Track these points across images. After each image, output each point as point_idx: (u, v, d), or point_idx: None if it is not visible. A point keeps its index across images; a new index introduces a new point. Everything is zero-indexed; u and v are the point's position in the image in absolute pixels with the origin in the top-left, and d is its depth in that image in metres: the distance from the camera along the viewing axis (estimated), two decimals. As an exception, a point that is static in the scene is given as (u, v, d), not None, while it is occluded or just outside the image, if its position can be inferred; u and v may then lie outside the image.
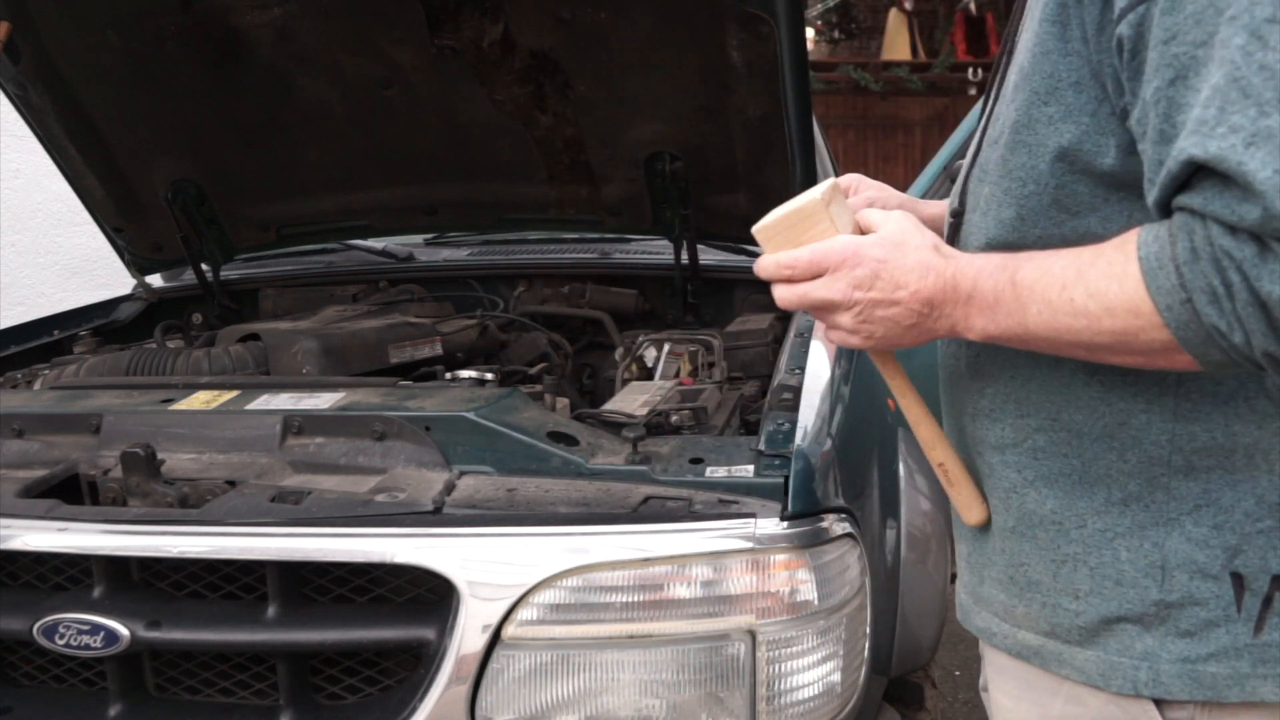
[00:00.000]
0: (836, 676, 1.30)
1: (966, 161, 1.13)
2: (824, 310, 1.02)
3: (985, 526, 1.14)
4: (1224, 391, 0.96)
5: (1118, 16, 0.88)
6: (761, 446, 1.38)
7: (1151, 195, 0.88)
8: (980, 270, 0.97)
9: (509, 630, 1.26)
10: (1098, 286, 0.88)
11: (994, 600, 1.14)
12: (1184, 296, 0.83)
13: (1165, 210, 0.87)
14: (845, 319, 1.01)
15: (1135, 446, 1.00)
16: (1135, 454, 1.00)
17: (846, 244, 1.00)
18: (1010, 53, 1.07)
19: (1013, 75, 1.02)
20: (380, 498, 1.34)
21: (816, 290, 1.01)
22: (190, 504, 1.39)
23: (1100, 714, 1.04)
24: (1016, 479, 1.08)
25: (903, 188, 1.55)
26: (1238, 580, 0.98)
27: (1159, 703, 1.00)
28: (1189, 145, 0.82)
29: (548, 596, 1.26)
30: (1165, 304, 0.85)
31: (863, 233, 1.03)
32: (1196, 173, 0.83)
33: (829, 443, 1.46)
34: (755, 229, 1.05)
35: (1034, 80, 0.97)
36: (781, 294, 1.04)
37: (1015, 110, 0.99)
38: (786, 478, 1.31)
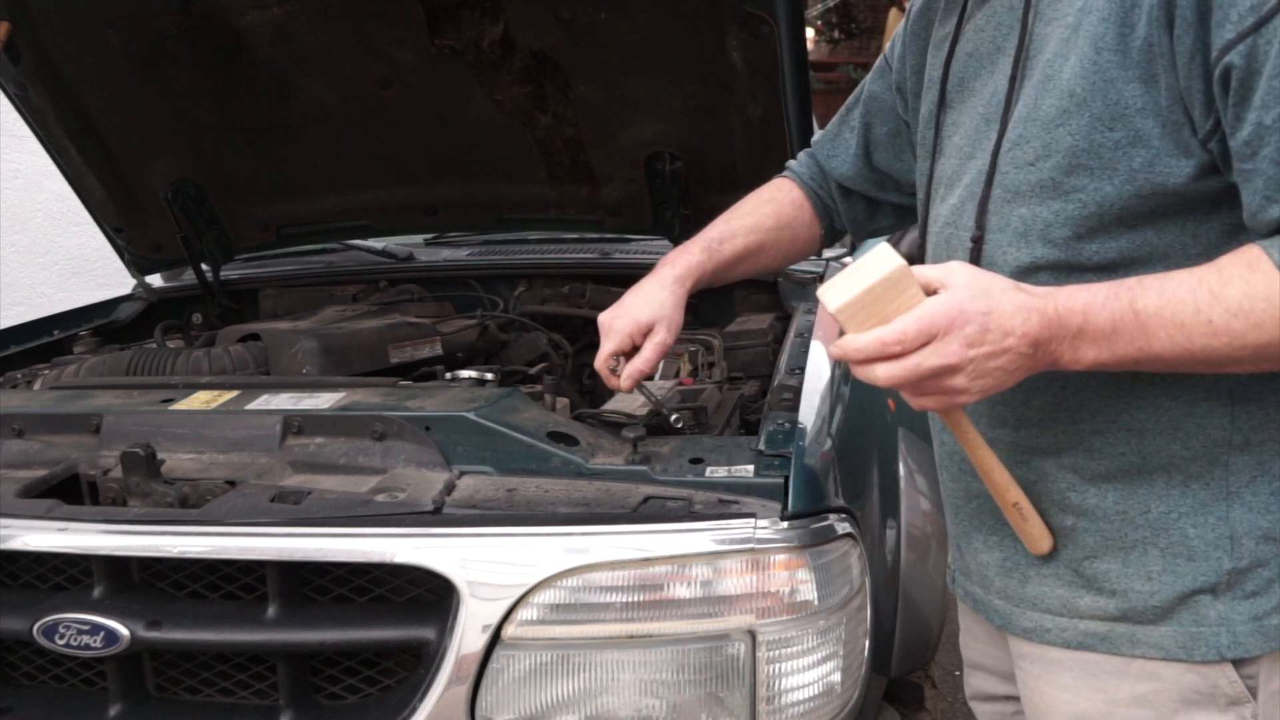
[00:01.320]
0: (836, 676, 1.30)
1: (968, 185, 1.15)
2: (936, 378, 0.99)
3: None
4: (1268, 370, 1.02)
5: (1224, 47, 0.93)
6: (761, 446, 1.38)
7: (1272, 211, 0.93)
8: (1088, 304, 0.98)
9: (509, 630, 1.26)
10: (1241, 305, 0.93)
11: (1047, 597, 1.17)
12: None
13: (1276, 227, 0.94)
14: (959, 380, 0.99)
15: (1200, 433, 1.06)
16: (1199, 439, 1.07)
17: (949, 304, 0.97)
18: (1016, 77, 1.09)
19: (1050, 98, 1.04)
20: (380, 498, 1.34)
21: (929, 359, 0.97)
22: (190, 504, 1.39)
23: (1177, 684, 1.09)
24: (1073, 479, 1.13)
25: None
26: None
27: (1235, 663, 1.07)
28: None
29: (548, 596, 1.26)
30: None
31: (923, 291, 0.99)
32: None
33: (829, 443, 1.46)
34: (834, 309, 0.98)
35: (1094, 107, 1.01)
36: (888, 372, 0.98)
37: (1071, 136, 1.02)
38: (786, 478, 1.31)
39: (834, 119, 1.53)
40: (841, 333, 1.01)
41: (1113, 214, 1.02)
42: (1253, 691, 1.08)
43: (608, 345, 1.40)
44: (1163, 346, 0.96)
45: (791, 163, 1.58)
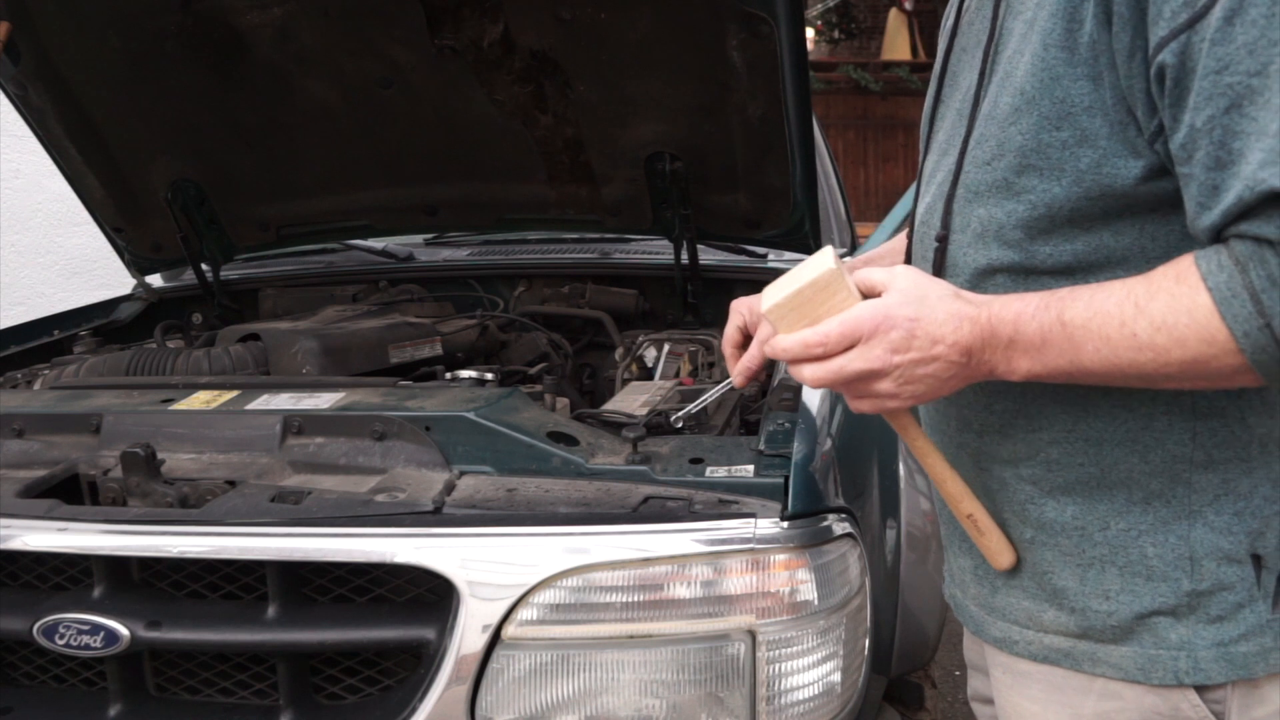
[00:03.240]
0: (836, 676, 1.30)
1: (939, 184, 1.13)
2: (863, 381, 0.99)
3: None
4: (1208, 387, 0.98)
5: (1158, 45, 0.89)
6: (761, 446, 1.38)
7: (1205, 219, 0.89)
8: (1019, 313, 0.96)
9: (509, 630, 1.26)
10: (1164, 320, 0.89)
11: (1014, 608, 1.14)
12: (1262, 323, 0.86)
13: (1215, 234, 0.89)
14: (886, 385, 0.98)
15: (1158, 447, 1.02)
16: (1158, 454, 1.03)
17: (875, 309, 0.97)
18: (985, 72, 1.07)
19: (1005, 96, 1.02)
20: (380, 498, 1.34)
21: (853, 363, 0.97)
22: (190, 504, 1.39)
23: (1139, 704, 1.06)
24: (1032, 491, 1.09)
25: (903, 188, 1.55)
26: (1257, 561, 1.02)
27: (1198, 688, 1.03)
28: (1269, 176, 0.83)
29: (548, 596, 1.26)
30: (1242, 331, 0.87)
31: (864, 294, 1.00)
32: (1266, 201, 0.85)
33: (829, 443, 1.46)
34: (765, 309, 1.00)
35: (1042, 105, 0.98)
36: (813, 373, 0.99)
37: (1021, 135, 1.00)
38: (786, 478, 1.31)
39: None
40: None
41: (1063, 215, 0.99)
42: (1220, 718, 1.03)
43: (730, 323, 1.40)
44: (1091, 360, 0.93)
45: None
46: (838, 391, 1.03)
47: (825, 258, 0.99)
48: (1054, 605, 1.10)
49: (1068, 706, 1.11)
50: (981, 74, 1.08)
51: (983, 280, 1.07)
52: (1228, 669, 1.02)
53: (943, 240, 1.10)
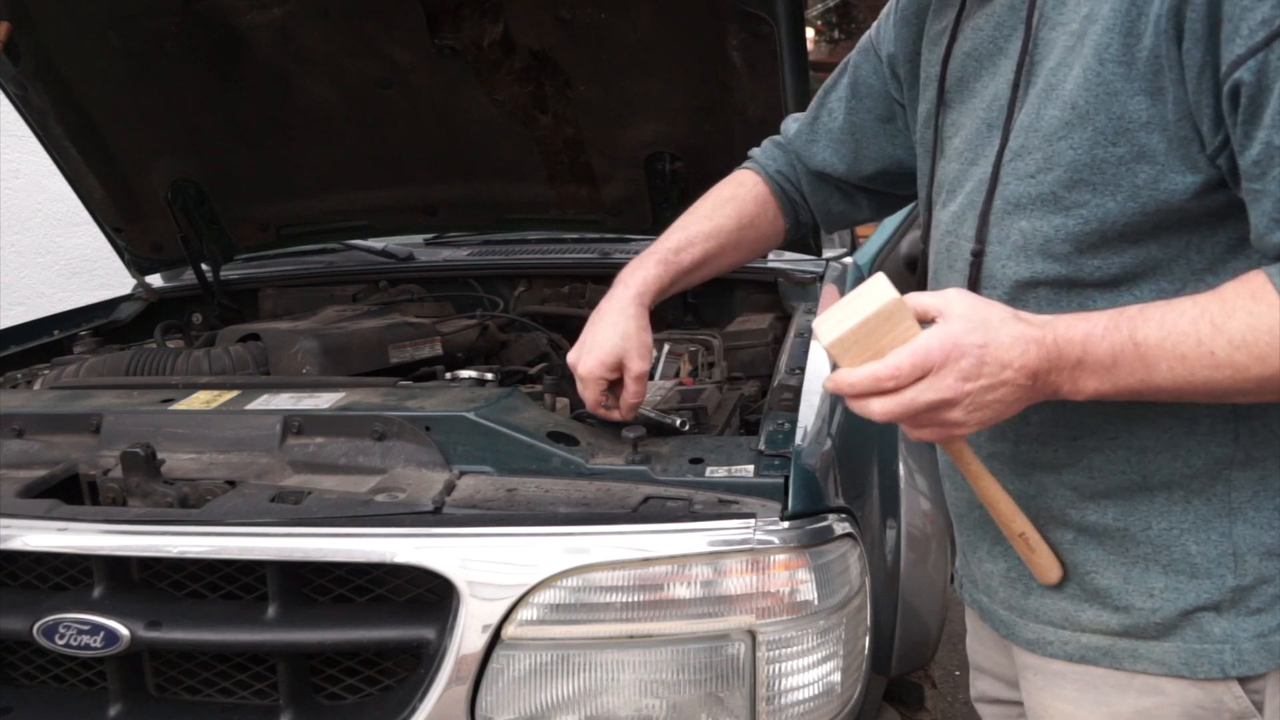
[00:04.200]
0: (836, 676, 1.30)
1: (969, 194, 1.12)
2: (933, 411, 0.97)
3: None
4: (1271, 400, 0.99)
5: (1234, 62, 0.89)
6: (761, 446, 1.38)
7: (1278, 236, 0.91)
8: (1088, 334, 0.96)
9: (509, 630, 1.26)
10: (1245, 338, 0.91)
11: (1049, 610, 1.15)
12: None
13: None
14: (956, 414, 0.97)
15: (1201, 451, 1.04)
16: (1201, 457, 1.04)
17: (943, 337, 0.95)
18: (1020, 83, 1.06)
19: (1052, 109, 1.01)
20: (380, 498, 1.34)
21: (925, 394, 0.95)
22: (190, 504, 1.39)
23: (1181, 699, 1.08)
24: (1072, 496, 1.11)
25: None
26: None
27: (1240, 679, 1.05)
28: None
29: (548, 596, 1.26)
30: None
31: (918, 319, 0.98)
32: None
33: (829, 443, 1.46)
34: (826, 344, 0.97)
35: (1097, 120, 0.98)
36: (883, 407, 0.97)
37: (1073, 149, 1.00)
38: (786, 478, 1.30)
39: (810, 106, 1.48)
40: (835, 365, 0.99)
41: (1115, 230, 1.00)
42: (1259, 707, 1.06)
43: (588, 396, 1.38)
44: (1164, 379, 0.94)
45: (755, 151, 1.52)
46: (906, 424, 1.00)
47: (884, 287, 0.96)
48: (1095, 605, 1.11)
49: (1103, 705, 1.12)
50: (1015, 85, 1.07)
51: (1023, 293, 1.06)
52: (1268, 658, 1.05)
53: (979, 254, 1.09)
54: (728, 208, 1.46)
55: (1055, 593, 1.14)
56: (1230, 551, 1.04)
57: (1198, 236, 0.99)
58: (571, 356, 1.39)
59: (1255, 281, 0.92)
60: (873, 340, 0.95)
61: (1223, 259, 0.99)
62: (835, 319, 0.96)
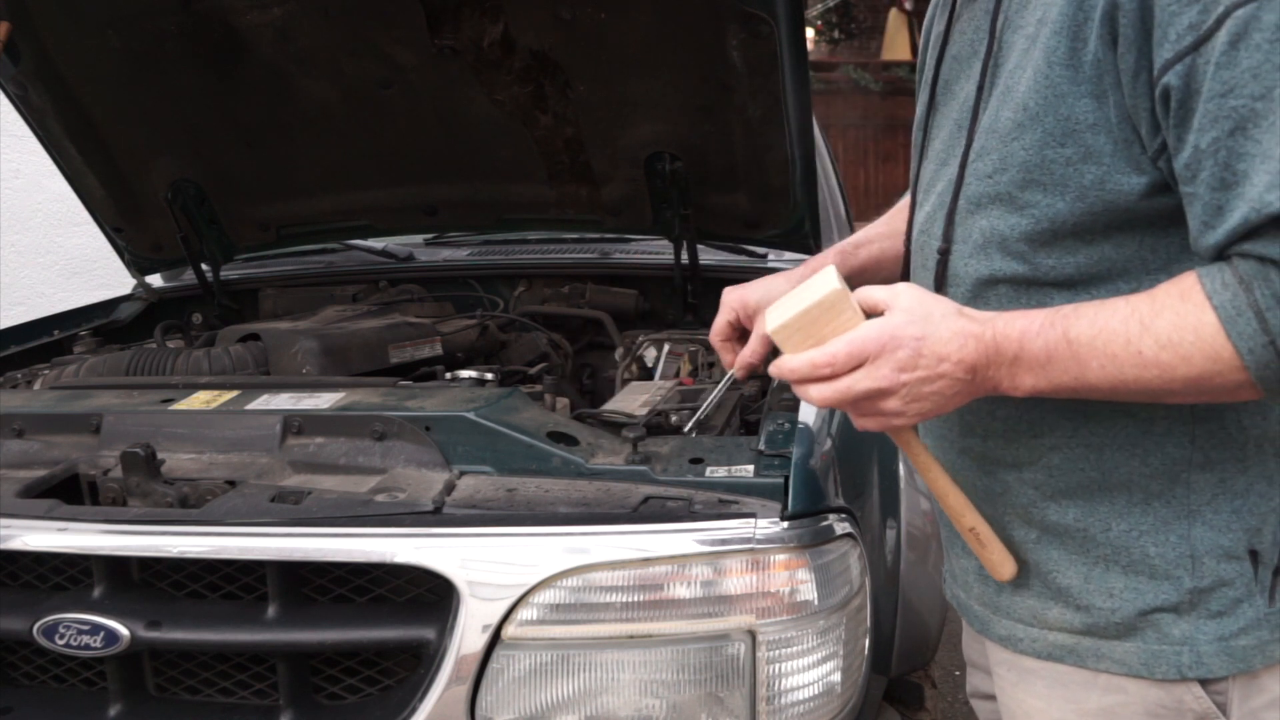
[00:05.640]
0: (836, 676, 1.30)
1: (939, 195, 1.14)
2: (869, 400, 1.00)
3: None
4: (1210, 401, 1.00)
5: (1163, 67, 0.90)
6: (761, 446, 1.38)
7: (1209, 238, 0.91)
8: (1024, 331, 0.97)
9: (509, 630, 1.26)
10: (1170, 338, 0.91)
11: (1018, 607, 1.16)
12: (1266, 340, 0.88)
13: (1218, 253, 0.91)
14: (892, 403, 1.00)
15: (1158, 450, 1.04)
16: (1158, 457, 1.04)
17: (881, 328, 0.98)
18: (985, 85, 1.08)
19: (1007, 111, 1.03)
20: (380, 498, 1.34)
21: (861, 382, 0.99)
22: (190, 504, 1.39)
23: (1142, 698, 1.08)
24: (1034, 495, 1.11)
25: (903, 188, 1.55)
26: (1254, 557, 1.05)
27: (1202, 681, 1.06)
28: (1274, 199, 0.85)
29: (548, 596, 1.26)
30: (1247, 348, 0.88)
31: (866, 312, 1.01)
32: (1271, 223, 0.87)
33: (829, 443, 1.46)
34: (770, 330, 1.02)
35: (1046, 122, 0.99)
36: (820, 393, 1.01)
37: (1024, 150, 1.01)
38: (786, 478, 1.31)
39: None
40: (778, 352, 1.03)
41: (1066, 229, 1.01)
42: (1223, 709, 1.06)
43: (720, 316, 1.44)
44: (1097, 377, 0.95)
45: None
46: (844, 410, 1.04)
47: (829, 278, 1.00)
48: (1058, 603, 1.12)
49: (1071, 702, 1.13)
50: (980, 86, 1.08)
51: (985, 290, 1.08)
52: (1228, 663, 1.05)
53: (944, 252, 1.11)
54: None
55: (1024, 590, 1.15)
56: (1188, 554, 1.05)
57: (1150, 237, 1.00)
58: (728, 288, 1.45)
59: (1186, 282, 0.93)
60: (815, 329, 0.99)
61: (1177, 259, 0.99)
62: (782, 308, 1.01)
